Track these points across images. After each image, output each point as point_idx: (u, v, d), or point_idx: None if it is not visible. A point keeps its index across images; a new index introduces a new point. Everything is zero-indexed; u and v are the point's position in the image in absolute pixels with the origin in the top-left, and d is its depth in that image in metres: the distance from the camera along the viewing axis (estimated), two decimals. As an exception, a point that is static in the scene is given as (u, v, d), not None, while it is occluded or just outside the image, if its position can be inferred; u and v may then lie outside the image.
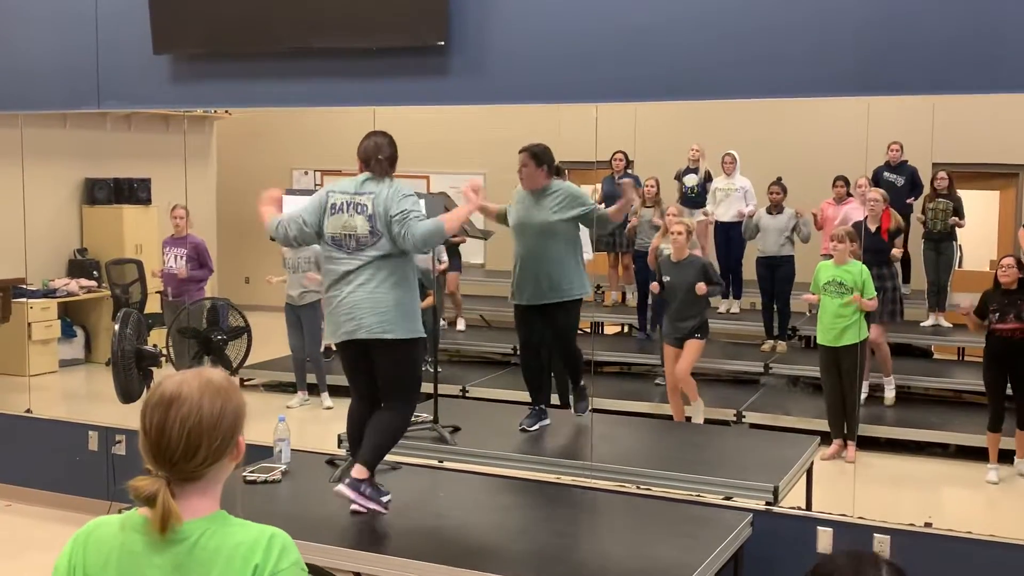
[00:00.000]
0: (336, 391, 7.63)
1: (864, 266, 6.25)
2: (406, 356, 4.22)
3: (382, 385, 4.25)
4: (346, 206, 4.17)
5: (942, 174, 7.48)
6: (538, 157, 5.12)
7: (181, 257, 7.38)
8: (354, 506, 4.14)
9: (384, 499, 4.20)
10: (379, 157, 4.19)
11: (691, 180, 8.19)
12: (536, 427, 5.39)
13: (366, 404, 4.32)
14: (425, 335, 4.31)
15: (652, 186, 7.88)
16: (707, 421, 6.61)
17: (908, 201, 7.65)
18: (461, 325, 8.61)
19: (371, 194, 4.15)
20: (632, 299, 8.49)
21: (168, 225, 7.66)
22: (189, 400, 1.76)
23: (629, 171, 8.11)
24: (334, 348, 4.42)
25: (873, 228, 6.82)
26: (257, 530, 1.80)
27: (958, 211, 7.51)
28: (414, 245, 4.11)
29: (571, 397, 5.58)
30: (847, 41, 4.28)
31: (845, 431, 6.33)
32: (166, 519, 1.73)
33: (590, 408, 5.47)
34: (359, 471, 4.15)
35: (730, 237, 8.03)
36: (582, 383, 5.49)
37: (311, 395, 7.71)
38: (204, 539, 1.77)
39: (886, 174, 7.65)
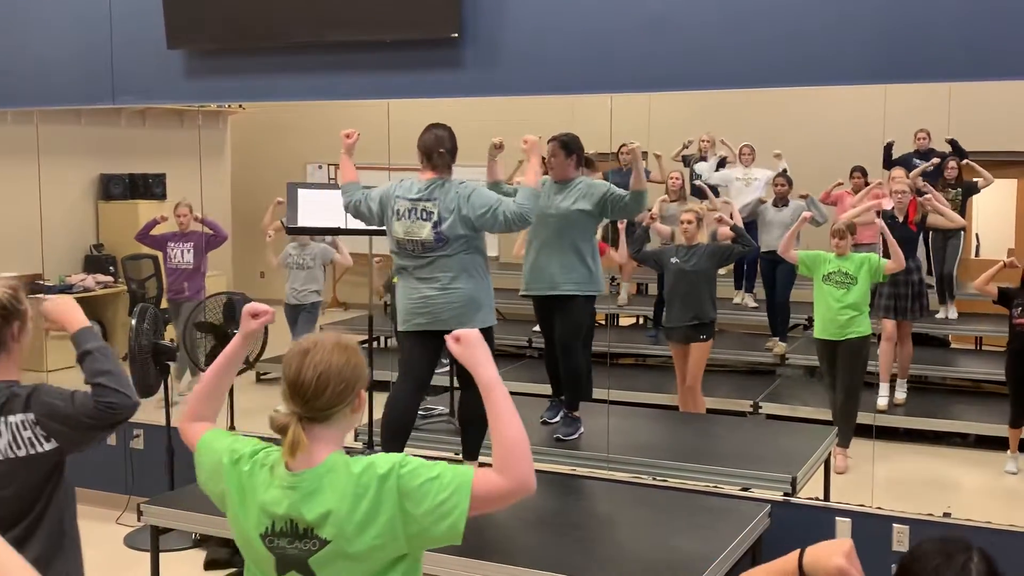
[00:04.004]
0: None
1: (871, 253, 6.12)
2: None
3: (459, 371, 4.54)
4: (409, 213, 4.31)
5: (952, 163, 7.40)
6: (567, 147, 5.06)
7: (188, 251, 7.45)
8: None
9: None
10: (440, 151, 4.31)
11: (702, 168, 8.13)
12: (557, 419, 5.36)
13: (414, 392, 4.51)
14: (496, 322, 4.50)
15: (677, 178, 7.73)
16: (724, 412, 6.58)
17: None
18: None
19: (436, 200, 4.27)
20: (651, 289, 8.46)
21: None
22: (322, 350, 2.13)
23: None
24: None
25: (900, 219, 6.74)
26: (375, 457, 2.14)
27: (970, 192, 7.45)
28: (512, 224, 4.32)
29: (562, 411, 5.37)
30: (866, 28, 4.26)
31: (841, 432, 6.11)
32: (295, 445, 2.09)
33: (581, 431, 5.29)
34: (472, 465, 4.41)
35: (750, 228, 7.96)
36: (576, 413, 5.29)
37: None
38: (314, 481, 2.09)
39: (915, 160, 7.57)
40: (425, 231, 4.27)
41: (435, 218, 4.25)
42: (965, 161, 7.22)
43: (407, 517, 2.05)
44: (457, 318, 4.25)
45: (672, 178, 7.73)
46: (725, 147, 8.05)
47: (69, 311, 2.70)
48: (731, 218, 6.44)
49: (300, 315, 7.51)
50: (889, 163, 7.24)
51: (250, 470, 2.18)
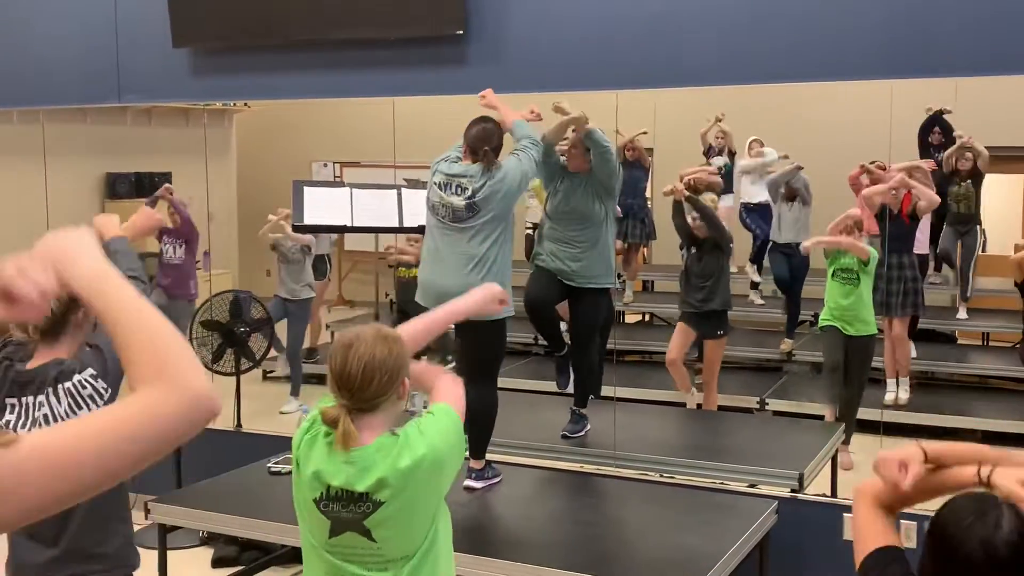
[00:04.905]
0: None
1: (869, 248, 6.07)
2: (488, 337, 4.42)
3: (466, 362, 4.52)
4: (445, 187, 4.39)
5: (968, 155, 7.34)
6: None
7: (180, 246, 7.46)
8: (471, 483, 4.55)
9: (497, 479, 4.64)
10: (485, 148, 4.34)
11: (718, 162, 8.13)
12: (570, 386, 5.31)
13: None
14: (512, 314, 4.48)
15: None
16: (731, 409, 6.58)
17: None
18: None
19: (472, 177, 4.34)
20: (658, 286, 8.46)
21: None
22: (365, 343, 2.24)
23: (641, 161, 8.03)
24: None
25: (896, 211, 6.71)
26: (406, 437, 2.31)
27: (980, 180, 7.41)
28: (535, 154, 4.46)
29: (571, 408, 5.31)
30: (871, 24, 4.25)
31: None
32: (347, 437, 2.22)
33: (588, 427, 5.24)
34: (476, 463, 4.60)
35: (763, 216, 7.95)
36: (584, 410, 5.25)
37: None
38: (369, 453, 2.25)
39: (933, 152, 7.55)
40: (457, 201, 4.34)
41: (468, 193, 4.32)
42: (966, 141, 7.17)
43: (435, 442, 2.29)
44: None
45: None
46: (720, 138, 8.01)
47: (109, 221, 2.92)
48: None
49: (291, 311, 7.51)
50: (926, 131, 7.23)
51: (311, 439, 2.32)
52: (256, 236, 7.80)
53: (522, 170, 4.40)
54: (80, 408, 2.56)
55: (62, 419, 2.53)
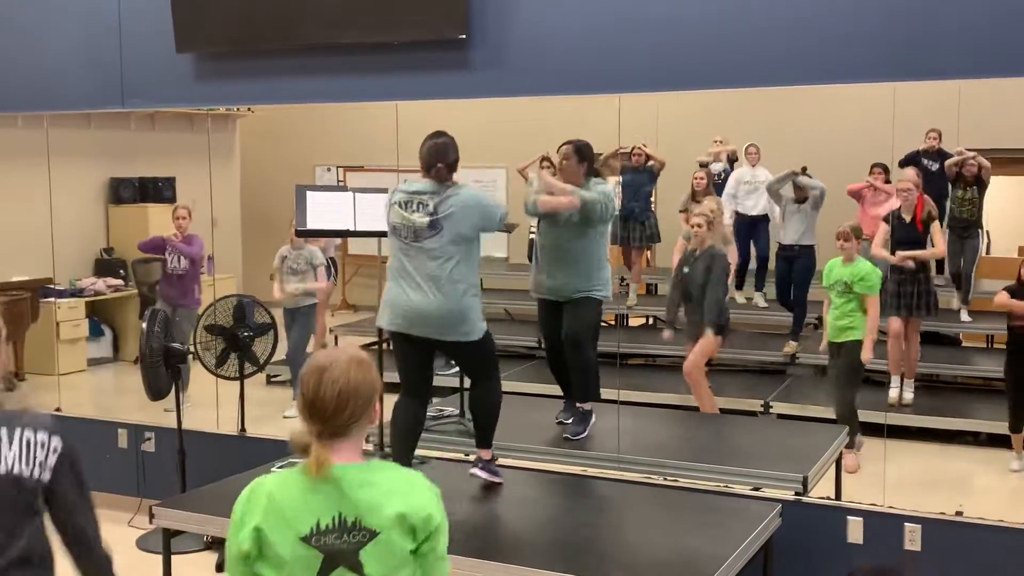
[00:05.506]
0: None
1: (872, 266, 6.05)
2: (476, 346, 4.45)
3: (464, 371, 4.65)
4: (406, 205, 4.36)
5: (973, 161, 7.34)
6: (580, 152, 5.06)
7: (184, 257, 7.44)
8: (476, 471, 4.61)
9: (498, 478, 4.67)
10: (439, 165, 4.32)
11: (716, 168, 8.15)
12: (572, 420, 5.33)
13: (414, 399, 4.54)
14: (486, 330, 4.46)
15: (702, 179, 7.72)
16: (735, 412, 6.57)
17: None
18: None
19: (433, 194, 4.31)
20: (661, 289, 8.48)
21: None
22: (339, 367, 2.16)
23: (650, 164, 8.04)
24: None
25: (908, 219, 6.71)
26: (410, 483, 2.23)
27: (984, 187, 7.42)
28: (502, 209, 4.51)
29: (574, 411, 5.32)
30: (875, 27, 4.24)
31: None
32: (321, 464, 2.15)
33: (593, 421, 5.25)
34: (484, 452, 4.65)
35: (756, 230, 7.96)
36: (589, 407, 5.25)
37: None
38: (355, 478, 2.18)
39: (924, 160, 7.55)
40: (418, 219, 4.31)
41: (430, 209, 4.29)
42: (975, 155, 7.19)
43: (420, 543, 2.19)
44: (441, 329, 4.35)
45: (697, 178, 7.73)
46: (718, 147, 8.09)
47: None
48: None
49: (296, 318, 7.51)
50: (903, 164, 7.26)
51: (272, 485, 2.27)
52: (259, 240, 7.81)
53: (488, 209, 4.37)
54: (27, 465, 2.28)
55: (6, 464, 2.27)
